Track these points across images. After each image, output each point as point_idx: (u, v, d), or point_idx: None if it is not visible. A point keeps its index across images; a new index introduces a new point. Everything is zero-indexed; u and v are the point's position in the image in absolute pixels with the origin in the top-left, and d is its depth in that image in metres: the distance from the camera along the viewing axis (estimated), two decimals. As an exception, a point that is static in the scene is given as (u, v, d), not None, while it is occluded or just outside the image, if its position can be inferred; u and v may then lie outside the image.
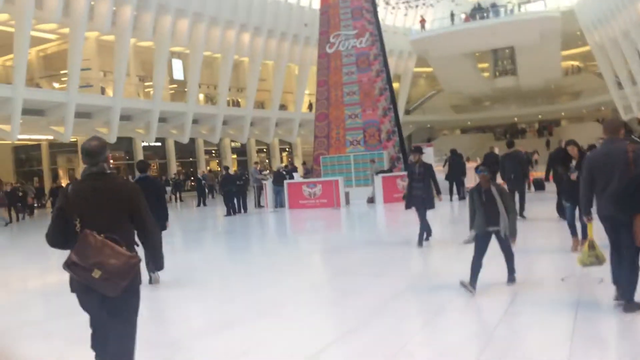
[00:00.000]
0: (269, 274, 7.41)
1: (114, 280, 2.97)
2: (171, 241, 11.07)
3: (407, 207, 8.58)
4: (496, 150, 17.83)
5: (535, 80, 41.43)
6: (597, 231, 5.05)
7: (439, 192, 8.77)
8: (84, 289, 3.06)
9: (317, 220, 13.80)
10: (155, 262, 3.48)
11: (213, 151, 37.30)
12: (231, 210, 15.65)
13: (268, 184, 17.10)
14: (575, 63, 47.47)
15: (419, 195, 8.32)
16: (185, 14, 27.79)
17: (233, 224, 14.04)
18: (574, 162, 7.09)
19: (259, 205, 17.90)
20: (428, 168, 8.57)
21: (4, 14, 22.31)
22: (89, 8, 23.11)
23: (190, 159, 35.21)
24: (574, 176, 6.80)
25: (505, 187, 9.05)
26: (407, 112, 47.68)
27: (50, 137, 26.44)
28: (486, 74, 45.89)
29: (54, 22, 23.21)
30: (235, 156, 38.48)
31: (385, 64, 18.16)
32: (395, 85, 45.50)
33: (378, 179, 15.76)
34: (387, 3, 28.56)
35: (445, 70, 42.66)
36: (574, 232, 7.24)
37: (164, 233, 8.10)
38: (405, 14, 34.72)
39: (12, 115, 21.24)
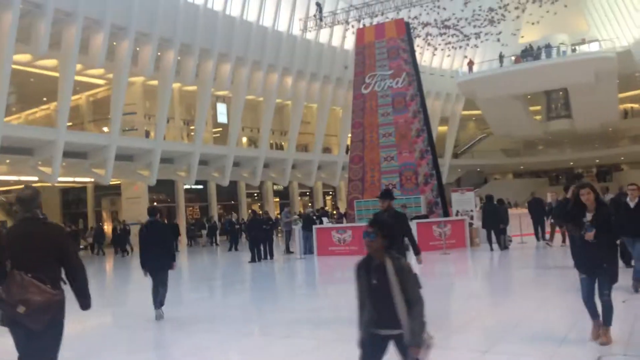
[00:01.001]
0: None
1: (37, 315, 3.33)
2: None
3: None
4: (549, 197, 16.56)
5: (591, 123, 39.46)
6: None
7: (417, 252, 6.63)
8: (12, 322, 3.42)
9: (341, 269, 12.87)
10: (81, 301, 3.64)
11: (255, 194, 37.11)
12: (256, 257, 14.96)
13: (297, 229, 16.39)
14: (635, 105, 45.23)
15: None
16: (228, 58, 28.09)
17: (252, 272, 13.36)
18: (589, 216, 5.07)
19: (288, 251, 17.13)
20: (400, 219, 6.52)
21: (52, 60, 23.12)
22: (132, 53, 23.60)
23: (232, 202, 35.07)
24: (589, 236, 4.92)
25: None
26: (456, 155, 46.47)
27: (92, 180, 26.82)
28: (538, 117, 44.20)
29: (98, 67, 23.80)
30: (277, 199, 38.17)
31: (423, 104, 17.40)
32: (442, 128, 44.85)
33: (413, 225, 14.74)
34: (429, 44, 27.96)
35: (494, 112, 41.36)
36: (594, 314, 5.24)
37: (170, 273, 7.96)
38: (448, 55, 34.00)
39: (54, 158, 21.60)
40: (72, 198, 32.40)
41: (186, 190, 31.19)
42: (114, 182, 29.06)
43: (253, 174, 32.23)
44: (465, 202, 16.33)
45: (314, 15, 26.43)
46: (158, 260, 7.66)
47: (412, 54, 17.97)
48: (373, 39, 18.42)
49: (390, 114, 17.53)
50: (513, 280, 10.43)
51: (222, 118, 33.29)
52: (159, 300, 7.69)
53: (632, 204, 7.57)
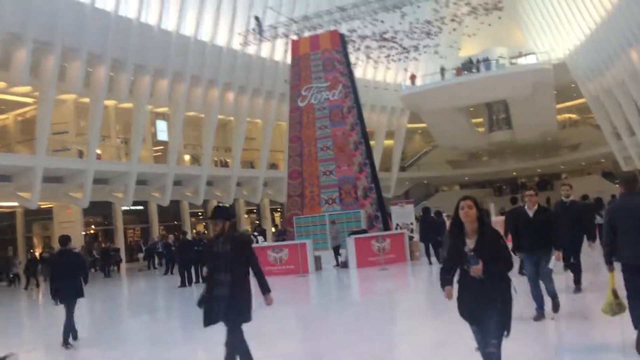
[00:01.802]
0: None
1: None
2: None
3: (206, 323, 4.72)
4: (491, 207, 16.46)
5: (531, 133, 40.39)
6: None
7: (266, 290, 4.84)
8: None
9: (275, 291, 12.15)
10: None
11: (199, 213, 35.97)
12: (186, 281, 14.07)
13: (233, 249, 15.54)
14: (572, 116, 46.71)
15: (224, 296, 4.61)
16: (164, 73, 27.16)
17: (176, 297, 12.55)
18: (469, 243, 3.85)
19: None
20: (242, 246, 4.84)
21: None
22: (58, 69, 22.36)
23: (175, 222, 33.81)
24: (476, 271, 3.70)
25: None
26: (403, 168, 46.68)
27: (17, 204, 25.21)
28: (481, 129, 45.00)
29: (22, 84, 22.44)
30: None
31: (360, 116, 17.05)
32: (389, 142, 45.03)
33: (351, 241, 14.25)
34: (369, 57, 27.88)
35: (438, 125, 41.84)
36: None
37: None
38: (388, 68, 34.14)
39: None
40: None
41: (125, 211, 29.83)
42: (45, 205, 27.51)
43: (196, 193, 31.17)
44: (406, 216, 15.98)
45: (253, 29, 25.87)
46: (70, 289, 7.87)
47: (347, 65, 17.65)
48: (308, 51, 18.03)
49: (328, 126, 17.10)
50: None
51: (162, 136, 32.13)
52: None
53: (530, 213, 6.76)
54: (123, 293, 16.41)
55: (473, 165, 47.24)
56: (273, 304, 4.85)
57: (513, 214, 11.66)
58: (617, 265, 4.93)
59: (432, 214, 13.78)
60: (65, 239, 8.51)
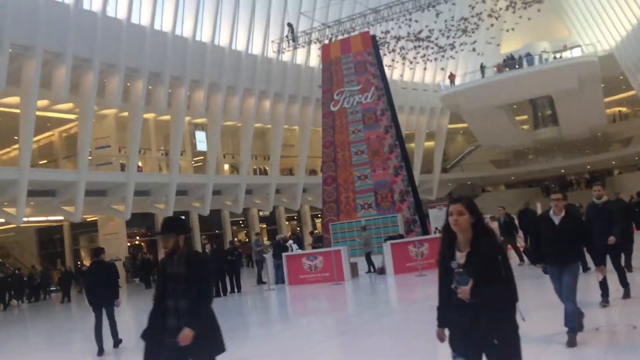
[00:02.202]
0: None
1: None
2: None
3: None
4: (538, 207, 15.73)
5: (579, 129, 38.83)
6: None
7: (188, 324, 3.66)
8: None
9: (309, 300, 11.88)
10: None
11: (241, 221, 36.15)
12: (220, 291, 13.94)
13: (269, 258, 15.41)
14: (622, 109, 44.71)
15: (175, 328, 3.72)
16: (201, 84, 27.43)
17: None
18: (460, 256, 3.08)
19: (260, 281, 16.12)
20: (199, 266, 3.90)
21: (15, 97, 22.31)
22: (97, 85, 22.83)
23: (217, 231, 34.06)
24: (464, 292, 2.95)
25: None
26: (445, 169, 45.73)
27: (62, 218, 25.88)
28: (525, 126, 43.59)
29: (63, 101, 23.03)
30: (264, 225, 37.19)
31: (394, 119, 16.62)
32: (430, 143, 44.20)
33: (387, 247, 13.83)
34: (404, 58, 27.34)
35: (480, 124, 40.75)
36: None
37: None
38: (425, 69, 33.47)
39: (18, 198, 20.67)
40: (47, 238, 31.36)
41: (167, 222, 30.17)
42: (90, 218, 28.18)
43: (235, 202, 31.30)
44: (445, 219, 15.35)
45: (286, 36, 25.80)
46: (104, 297, 8.41)
47: (379, 67, 17.25)
48: (339, 54, 17.75)
49: (361, 130, 16.74)
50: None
51: (201, 146, 32.47)
52: (112, 337, 8.46)
53: (556, 220, 5.83)
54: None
55: (518, 164, 45.83)
56: (186, 342, 3.58)
57: (533, 218, 11.12)
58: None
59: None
60: (97, 251, 9.10)
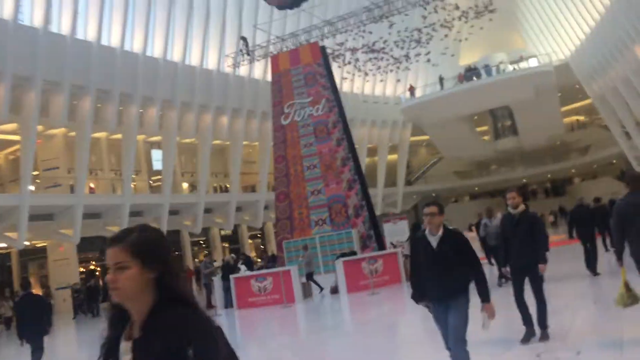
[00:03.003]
0: None
1: None
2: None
3: None
4: (498, 217, 15.22)
5: (538, 138, 39.21)
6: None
7: None
8: None
9: (255, 325, 11.13)
10: None
11: (201, 242, 35.06)
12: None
13: (217, 280, 14.60)
14: (580, 118, 45.47)
15: None
16: (153, 101, 26.56)
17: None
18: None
19: (210, 305, 15.24)
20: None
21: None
22: (39, 103, 21.73)
23: (176, 253, 32.91)
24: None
25: None
26: (409, 182, 45.66)
27: (4, 245, 24.52)
28: (486, 137, 43.90)
29: (4, 121, 21.87)
30: (227, 244, 36.16)
31: (347, 131, 16.12)
32: (393, 156, 44.06)
33: (339, 265, 13.19)
34: (360, 70, 27.07)
35: (442, 136, 40.81)
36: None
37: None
38: (381, 80, 33.36)
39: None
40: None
41: (121, 245, 28.86)
42: (40, 244, 26.81)
43: (195, 221, 30.30)
44: (399, 232, 14.86)
45: (240, 50, 25.21)
46: (34, 329, 8.15)
47: (330, 78, 16.79)
48: (289, 66, 17.26)
49: (313, 144, 16.19)
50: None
51: (158, 165, 31.46)
52: None
53: (433, 241, 4.51)
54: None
55: (481, 174, 46.03)
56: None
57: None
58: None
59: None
60: (25, 284, 9.20)
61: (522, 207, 6.15)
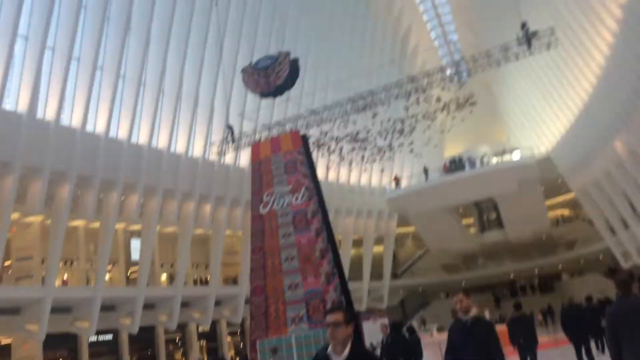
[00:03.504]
0: None
1: None
2: None
3: None
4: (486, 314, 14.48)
5: (523, 232, 38.90)
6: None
7: None
8: None
9: None
10: None
11: (177, 339, 33.07)
12: None
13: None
14: (564, 212, 45.53)
15: None
16: (134, 188, 26.10)
17: None
18: None
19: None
20: None
21: None
22: (15, 190, 21.10)
23: (149, 352, 30.81)
24: None
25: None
26: (395, 275, 44.61)
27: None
28: (472, 230, 43.55)
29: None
30: (204, 343, 34.08)
31: (326, 221, 15.59)
32: (379, 248, 43.32)
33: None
34: (343, 159, 27.13)
35: (427, 227, 40.41)
36: None
37: None
38: (365, 170, 33.49)
39: None
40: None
41: (91, 343, 27.01)
42: (5, 341, 25.09)
43: (171, 316, 28.78)
44: (372, 335, 13.83)
45: (226, 138, 25.21)
46: None
47: (310, 166, 16.52)
48: (269, 154, 17.04)
49: (292, 234, 15.57)
50: None
51: (137, 255, 30.43)
52: None
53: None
54: None
55: (469, 268, 45.15)
56: None
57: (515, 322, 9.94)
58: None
59: (405, 330, 11.77)
60: None
61: (474, 311, 5.33)
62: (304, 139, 17.28)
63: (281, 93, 17.33)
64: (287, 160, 16.62)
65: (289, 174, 16.35)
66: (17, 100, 21.27)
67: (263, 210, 16.24)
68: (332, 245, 15.15)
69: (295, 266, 15.15)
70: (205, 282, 32.97)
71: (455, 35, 43.26)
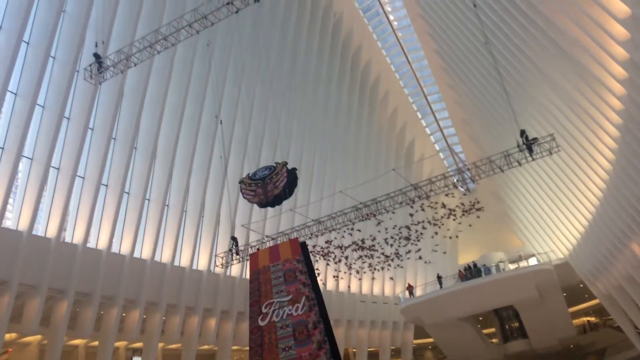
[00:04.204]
0: None
1: None
2: None
3: None
4: None
5: (548, 341, 36.72)
6: None
7: None
8: None
9: None
10: None
11: None
12: None
13: None
14: (591, 319, 43.32)
15: None
16: (136, 304, 25.37)
17: None
18: None
19: None
20: None
21: None
22: (10, 309, 20.45)
23: None
24: None
25: None
26: (415, 391, 41.80)
27: None
28: (495, 340, 41.29)
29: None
30: None
31: (329, 332, 14.70)
32: (397, 361, 41.10)
33: None
34: (350, 267, 26.37)
35: (446, 338, 38.36)
36: None
37: None
38: (373, 278, 32.51)
39: None
40: None
41: None
42: None
43: None
44: None
45: (230, 250, 24.87)
46: None
47: (310, 274, 15.92)
48: (268, 263, 16.54)
49: (292, 347, 14.62)
50: None
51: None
52: None
53: None
54: None
55: (494, 381, 42.20)
56: None
57: None
58: None
59: None
60: None
61: None
62: (304, 246, 16.85)
63: (279, 203, 17.21)
64: (286, 269, 16.08)
65: (288, 284, 15.74)
66: (18, 218, 21.28)
67: (262, 323, 15.44)
68: (336, 358, 14.14)
69: (297, 383, 14.08)
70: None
71: (458, 147, 44.00)
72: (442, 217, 24.01)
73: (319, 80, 35.83)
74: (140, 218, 25.56)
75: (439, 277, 35.42)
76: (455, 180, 20.18)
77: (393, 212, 20.73)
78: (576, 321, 40.73)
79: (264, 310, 15.61)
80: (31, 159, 21.49)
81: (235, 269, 29.09)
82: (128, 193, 25.50)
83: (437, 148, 45.06)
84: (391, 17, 38.59)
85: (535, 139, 18.13)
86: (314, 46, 35.18)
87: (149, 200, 26.36)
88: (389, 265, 25.98)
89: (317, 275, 27.85)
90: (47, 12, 21.37)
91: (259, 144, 31.49)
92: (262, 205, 17.28)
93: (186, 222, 28.19)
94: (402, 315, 37.17)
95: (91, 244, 23.94)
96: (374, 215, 21.17)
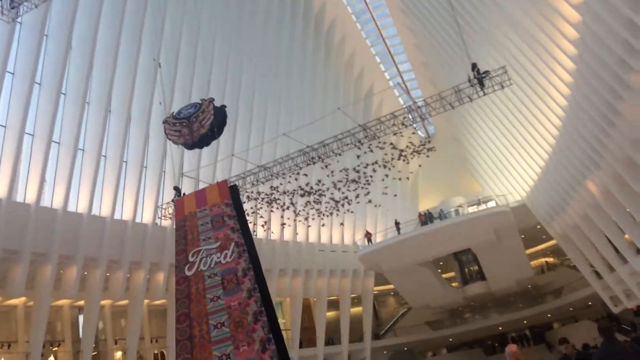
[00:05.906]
0: None
1: None
2: None
3: None
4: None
5: (506, 282, 36.90)
6: None
7: None
8: None
9: None
10: None
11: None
12: None
13: None
14: (549, 259, 43.78)
15: None
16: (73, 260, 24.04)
17: None
18: None
19: None
20: None
21: None
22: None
23: None
24: None
25: None
26: (377, 336, 41.97)
27: None
28: (455, 283, 41.47)
29: None
30: None
31: (260, 279, 13.68)
32: (357, 309, 40.97)
33: None
34: (298, 214, 25.40)
35: (405, 284, 38.23)
36: None
37: None
38: (323, 225, 31.69)
39: None
40: None
41: None
42: None
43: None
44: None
45: (173, 201, 23.53)
46: None
47: (240, 219, 14.75)
48: (194, 209, 15.30)
49: (221, 296, 13.55)
50: None
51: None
52: None
53: None
54: None
55: (455, 324, 42.64)
56: None
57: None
58: None
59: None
60: None
61: None
62: (233, 189, 15.62)
63: (208, 144, 15.82)
64: (214, 214, 14.87)
65: (216, 229, 14.55)
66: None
67: (189, 272, 14.29)
68: (268, 307, 13.17)
69: (226, 334, 13.07)
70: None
71: (418, 92, 42.79)
72: (392, 158, 23.02)
73: (269, 23, 33.82)
74: (72, 170, 23.89)
75: (397, 223, 34.88)
76: (403, 119, 19.02)
77: (340, 154, 19.55)
78: (534, 262, 41.04)
79: (190, 259, 14.44)
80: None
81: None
82: (58, 143, 23.69)
83: (397, 94, 43.80)
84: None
85: (486, 71, 17.02)
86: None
87: (82, 150, 24.62)
88: (338, 210, 25.04)
89: (263, 224, 26.91)
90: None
91: (206, 89, 29.69)
92: (189, 146, 15.87)
93: (127, 173, 26.60)
94: (361, 262, 36.75)
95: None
96: (321, 159, 19.98)
